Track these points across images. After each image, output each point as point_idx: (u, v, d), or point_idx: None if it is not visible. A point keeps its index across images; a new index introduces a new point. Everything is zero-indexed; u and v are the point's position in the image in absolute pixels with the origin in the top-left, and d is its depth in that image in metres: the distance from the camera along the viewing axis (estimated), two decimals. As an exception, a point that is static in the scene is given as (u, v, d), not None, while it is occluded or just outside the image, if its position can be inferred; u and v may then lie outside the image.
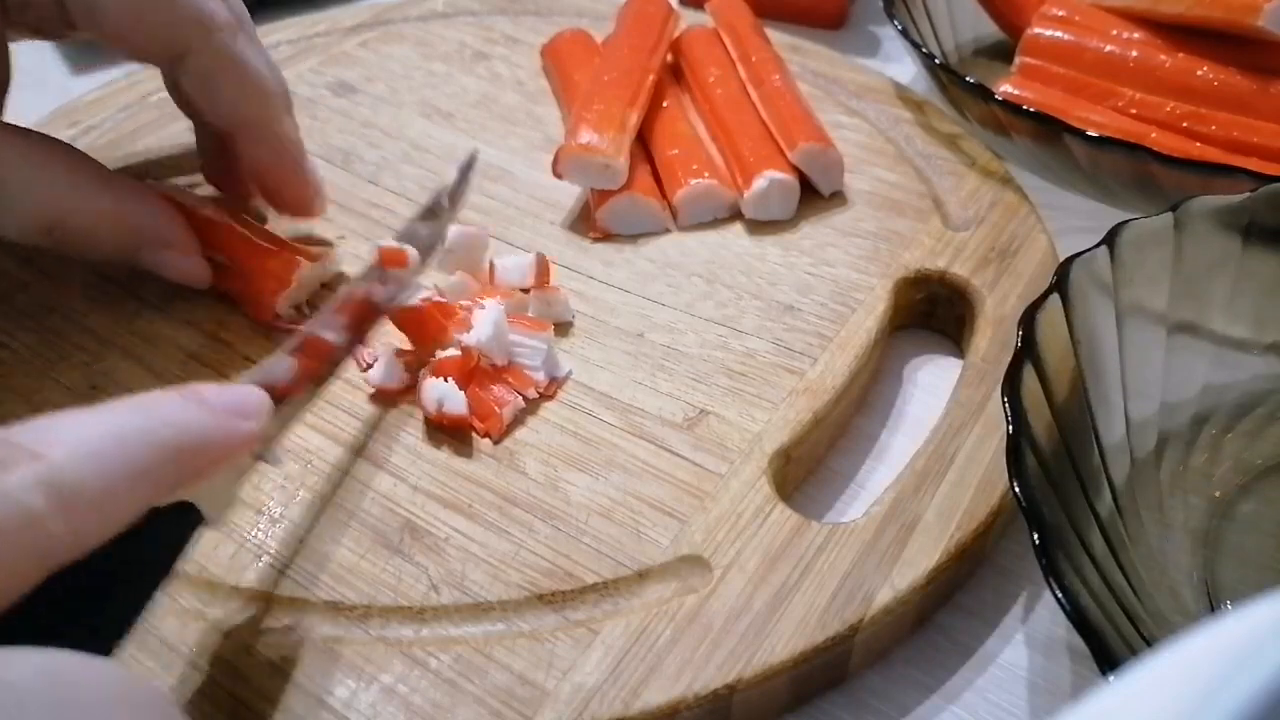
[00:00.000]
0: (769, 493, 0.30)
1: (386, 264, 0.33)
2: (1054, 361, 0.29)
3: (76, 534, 0.19)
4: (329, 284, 0.38)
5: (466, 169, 0.39)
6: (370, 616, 0.27)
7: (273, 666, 0.26)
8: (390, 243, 0.33)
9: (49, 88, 0.39)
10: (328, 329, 0.30)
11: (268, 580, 0.28)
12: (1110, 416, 0.31)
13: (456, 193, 0.38)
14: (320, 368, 0.29)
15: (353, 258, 0.39)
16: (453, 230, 0.36)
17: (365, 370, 0.34)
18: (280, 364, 0.27)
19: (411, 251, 0.33)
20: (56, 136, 0.43)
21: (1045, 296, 0.30)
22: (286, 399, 0.27)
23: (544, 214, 0.42)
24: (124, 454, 0.20)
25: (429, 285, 0.35)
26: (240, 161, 0.37)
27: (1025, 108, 0.43)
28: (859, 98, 0.49)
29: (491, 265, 0.36)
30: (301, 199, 0.38)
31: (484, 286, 0.36)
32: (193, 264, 0.35)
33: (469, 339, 0.32)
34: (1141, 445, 0.31)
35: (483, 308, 0.33)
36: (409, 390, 0.33)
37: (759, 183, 0.40)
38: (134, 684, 0.18)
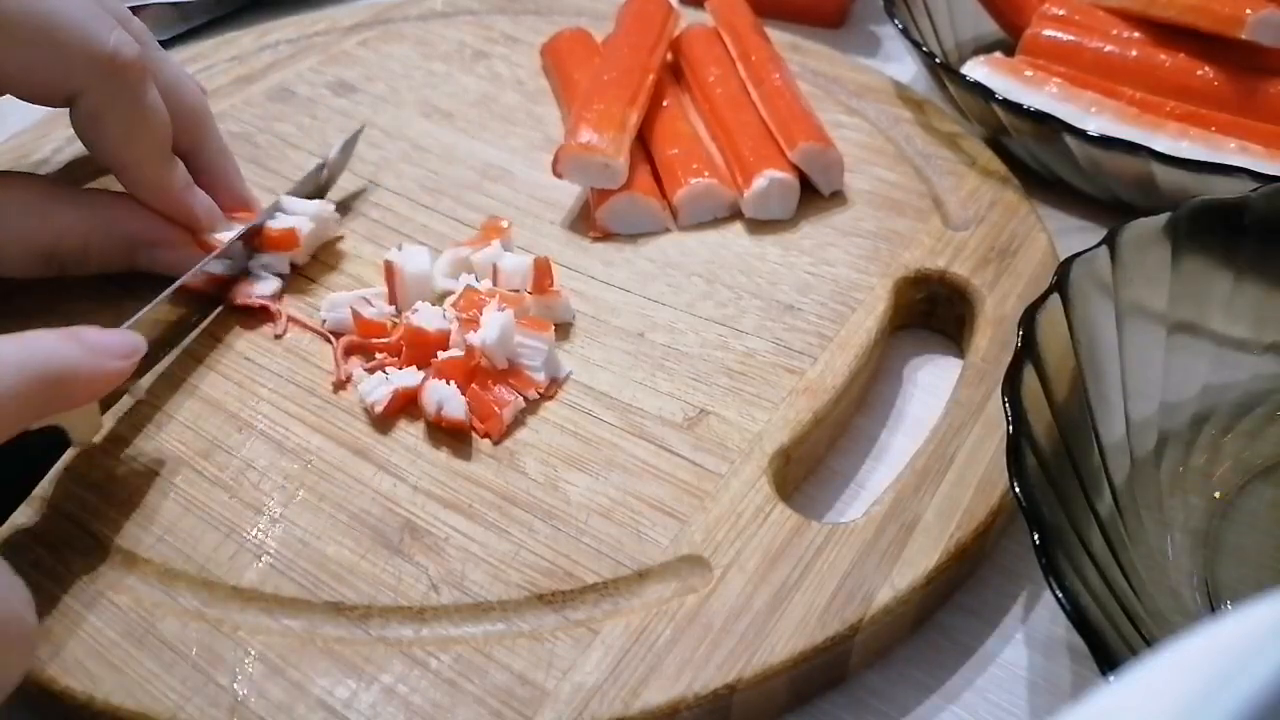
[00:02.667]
0: (769, 492, 0.30)
1: (272, 246, 0.37)
2: (1054, 361, 0.29)
3: None
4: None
5: (348, 145, 0.43)
6: (370, 616, 0.27)
7: (273, 666, 0.26)
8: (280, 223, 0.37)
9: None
10: (198, 276, 0.34)
11: (268, 580, 0.28)
12: (1110, 416, 0.31)
13: (335, 167, 0.42)
14: (188, 314, 0.35)
15: (354, 258, 0.39)
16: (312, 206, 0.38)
17: (338, 390, 0.34)
18: (159, 307, 0.32)
19: (300, 227, 0.37)
20: (54, 138, 0.44)
21: (1045, 296, 0.30)
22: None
23: (544, 214, 0.42)
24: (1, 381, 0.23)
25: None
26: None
27: (1025, 107, 0.43)
28: (859, 97, 0.49)
29: (495, 268, 0.36)
30: (190, 227, 0.37)
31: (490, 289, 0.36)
32: (186, 255, 0.36)
33: (474, 339, 0.32)
34: (1141, 445, 0.31)
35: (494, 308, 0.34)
36: (409, 404, 0.33)
37: (759, 182, 0.40)
38: None
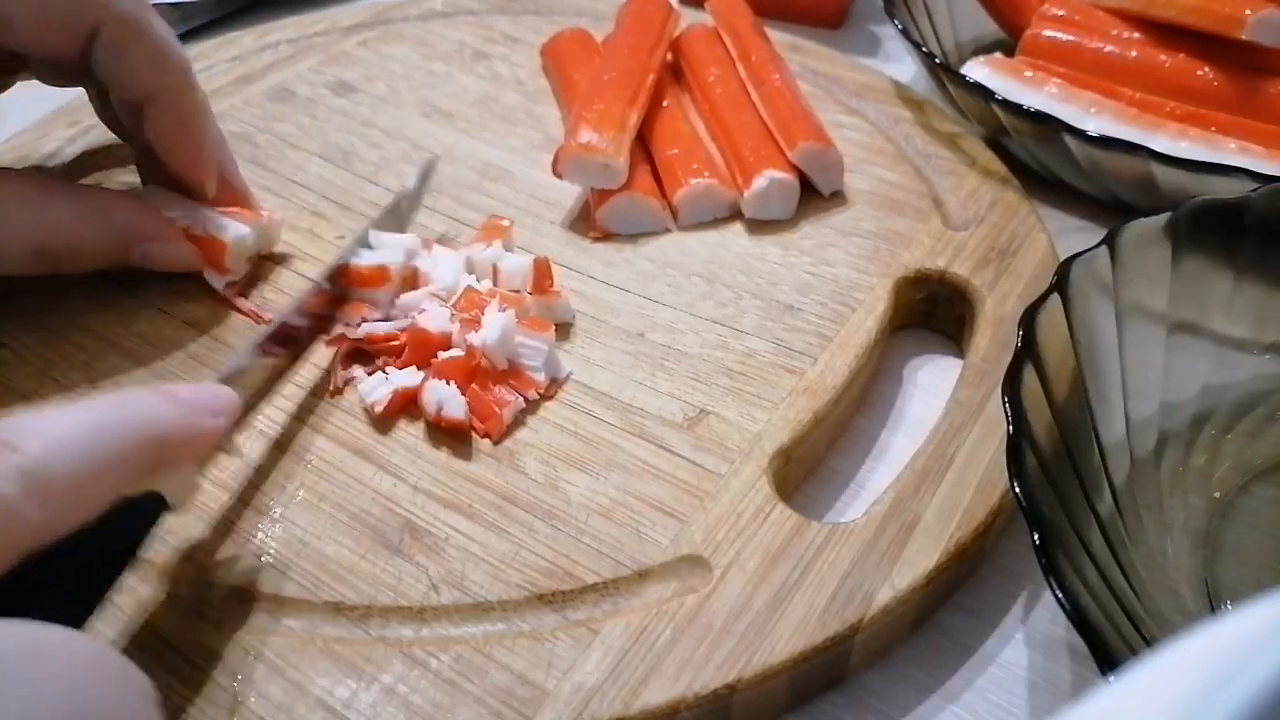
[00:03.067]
0: (769, 493, 0.30)
1: (363, 283, 0.36)
2: (1054, 361, 0.29)
3: (50, 520, 0.21)
4: (273, 258, 0.39)
5: (425, 175, 0.41)
6: (370, 616, 0.27)
7: (273, 666, 0.26)
8: (367, 261, 0.36)
9: (48, 88, 0.39)
10: (291, 317, 0.33)
11: (268, 580, 0.28)
12: (1110, 416, 0.31)
13: (414, 200, 0.40)
14: (282, 362, 0.32)
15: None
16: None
17: (334, 396, 0.33)
18: (247, 357, 0.30)
19: (391, 266, 0.36)
20: (54, 138, 0.43)
21: (1045, 296, 0.30)
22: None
23: (544, 214, 0.42)
24: (97, 445, 0.22)
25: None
26: (147, 133, 0.37)
27: (1025, 107, 0.43)
28: (859, 97, 0.49)
29: (495, 268, 0.36)
30: (198, 170, 0.37)
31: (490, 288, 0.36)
32: (178, 249, 0.36)
33: (475, 339, 0.32)
34: (1141, 445, 0.31)
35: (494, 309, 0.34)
36: (409, 404, 0.33)
37: (759, 182, 0.40)
38: (103, 652, 0.20)
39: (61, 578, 0.22)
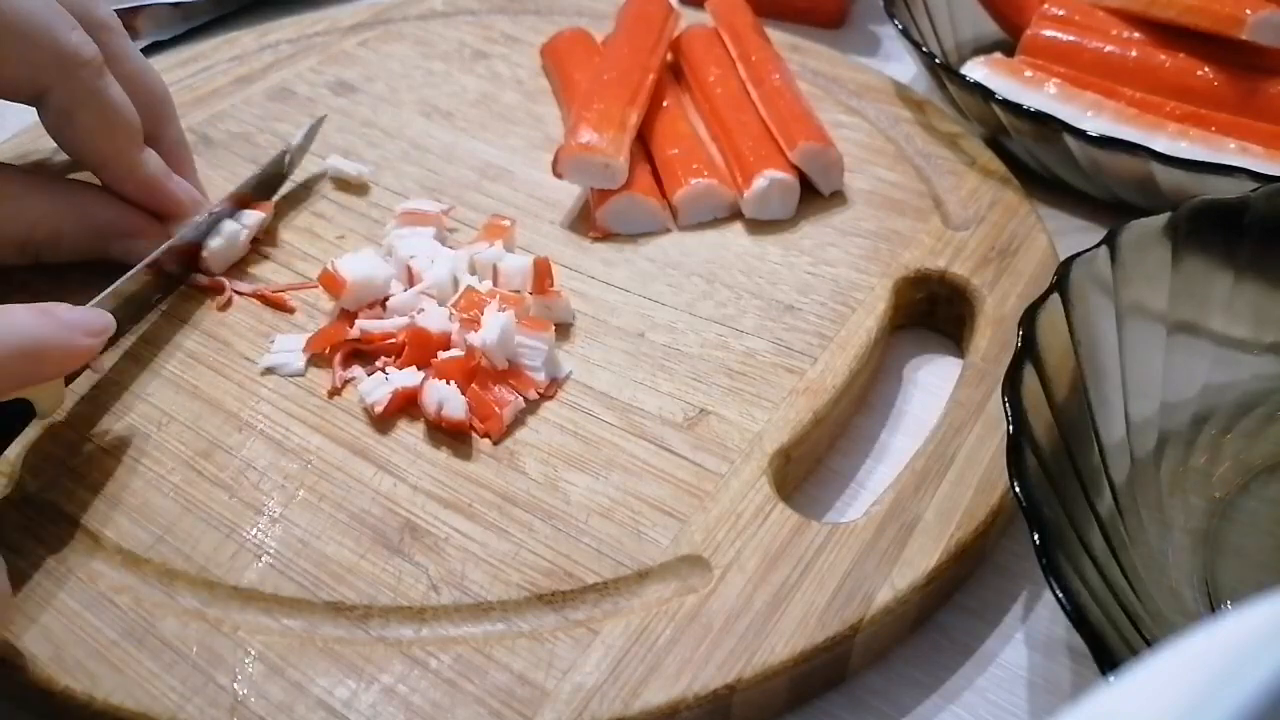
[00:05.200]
0: (769, 492, 0.30)
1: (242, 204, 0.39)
2: (1054, 361, 0.29)
3: None
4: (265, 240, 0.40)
5: (312, 131, 0.43)
6: (370, 616, 0.27)
7: (273, 666, 0.26)
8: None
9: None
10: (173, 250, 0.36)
11: (268, 580, 0.28)
12: (1110, 416, 0.31)
13: (296, 156, 0.43)
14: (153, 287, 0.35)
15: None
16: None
17: (334, 396, 0.33)
18: (129, 282, 0.33)
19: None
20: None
21: (1045, 296, 0.30)
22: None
23: (544, 213, 0.42)
24: None
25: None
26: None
27: (1025, 107, 0.43)
28: (859, 97, 0.49)
29: (495, 268, 0.36)
30: (166, 210, 0.38)
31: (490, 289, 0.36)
32: (158, 246, 0.36)
33: (475, 339, 0.32)
34: (1141, 445, 0.31)
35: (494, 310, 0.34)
36: (409, 404, 0.33)
37: (759, 182, 0.40)
38: None
39: None
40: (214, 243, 0.37)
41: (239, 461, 0.31)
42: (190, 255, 0.37)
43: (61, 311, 0.28)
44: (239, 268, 0.39)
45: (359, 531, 0.29)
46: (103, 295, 0.32)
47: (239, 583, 0.28)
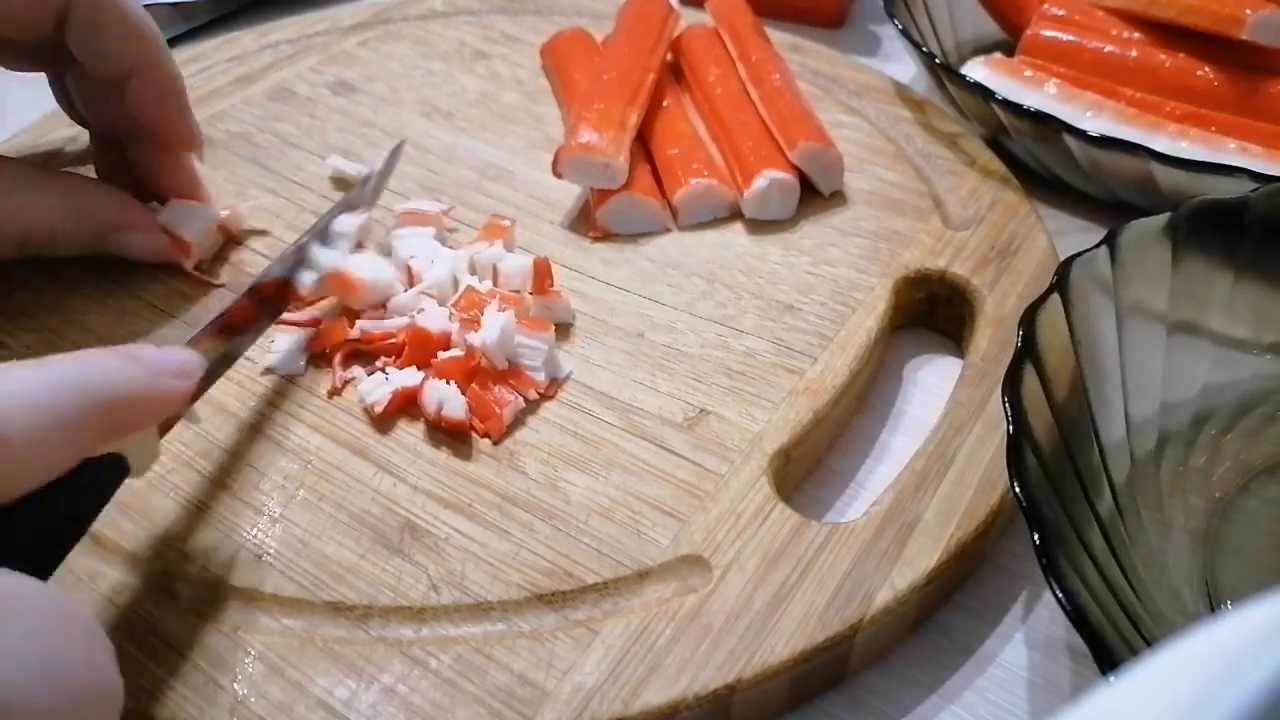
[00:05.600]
0: (769, 492, 0.30)
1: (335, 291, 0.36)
2: (1054, 361, 0.29)
3: (9, 478, 0.20)
4: (240, 239, 0.40)
5: (392, 158, 0.42)
6: (370, 616, 0.27)
7: (273, 666, 0.26)
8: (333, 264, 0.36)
9: (49, 87, 0.39)
10: (254, 295, 0.33)
11: (268, 580, 0.28)
12: (1110, 416, 0.31)
13: (379, 183, 0.41)
14: (247, 328, 0.32)
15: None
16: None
17: (334, 396, 0.33)
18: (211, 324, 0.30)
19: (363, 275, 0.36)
20: (54, 138, 0.43)
21: (1045, 296, 0.30)
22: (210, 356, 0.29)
23: (544, 213, 0.42)
24: (58, 405, 0.21)
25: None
26: (129, 108, 0.37)
27: (1025, 107, 0.43)
28: (859, 97, 0.49)
29: (495, 268, 0.36)
30: (186, 134, 0.38)
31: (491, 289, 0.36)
32: (151, 240, 0.37)
33: (475, 339, 0.32)
34: (1141, 445, 0.31)
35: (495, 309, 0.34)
36: (409, 404, 0.33)
37: (759, 182, 0.40)
38: (69, 603, 0.20)
39: (21, 536, 0.22)
40: (307, 277, 0.35)
41: (239, 461, 0.31)
42: (283, 291, 0.35)
43: (148, 354, 0.25)
44: (236, 266, 0.39)
45: (359, 531, 0.29)
46: (192, 338, 0.29)
47: (239, 583, 0.28)
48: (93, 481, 0.24)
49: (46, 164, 0.43)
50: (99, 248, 0.37)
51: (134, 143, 0.39)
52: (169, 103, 0.37)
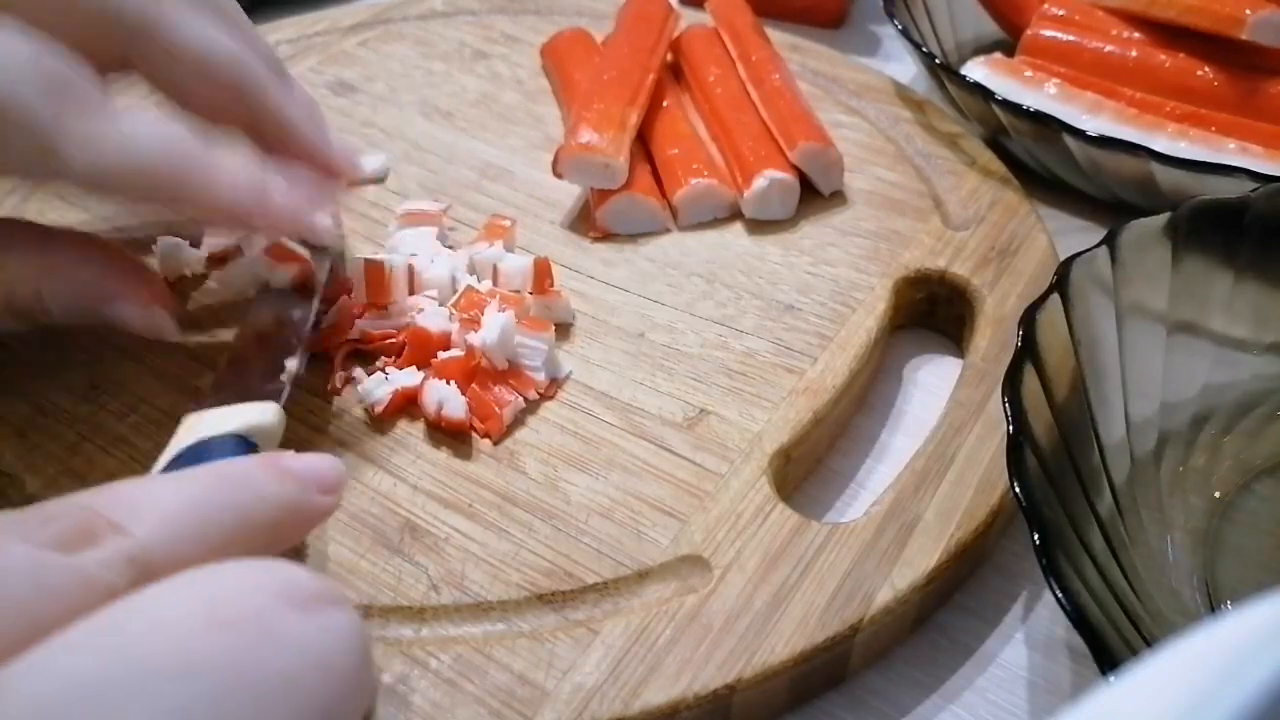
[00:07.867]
0: (769, 492, 0.30)
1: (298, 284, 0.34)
2: (1054, 361, 0.29)
3: None
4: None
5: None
6: (370, 616, 0.27)
7: (273, 666, 0.26)
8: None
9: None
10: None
11: (268, 580, 0.28)
12: (1110, 416, 0.31)
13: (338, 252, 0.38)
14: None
15: (351, 261, 0.39)
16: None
17: (334, 396, 0.33)
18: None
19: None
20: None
21: (1045, 296, 0.30)
22: None
23: (544, 213, 0.42)
24: (205, 529, 0.20)
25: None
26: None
27: (1025, 107, 0.43)
28: (859, 97, 0.49)
29: (495, 268, 0.36)
30: (327, 163, 0.33)
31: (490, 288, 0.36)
32: (147, 315, 0.31)
33: (475, 339, 0.33)
34: (1141, 445, 0.31)
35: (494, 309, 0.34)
36: (409, 404, 0.33)
37: (759, 182, 0.40)
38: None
39: None
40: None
41: (239, 461, 0.31)
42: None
43: (294, 465, 0.23)
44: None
45: (359, 531, 0.29)
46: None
47: (239, 583, 0.28)
48: None
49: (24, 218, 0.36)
50: (95, 316, 0.31)
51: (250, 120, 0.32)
52: (290, 135, 0.32)
